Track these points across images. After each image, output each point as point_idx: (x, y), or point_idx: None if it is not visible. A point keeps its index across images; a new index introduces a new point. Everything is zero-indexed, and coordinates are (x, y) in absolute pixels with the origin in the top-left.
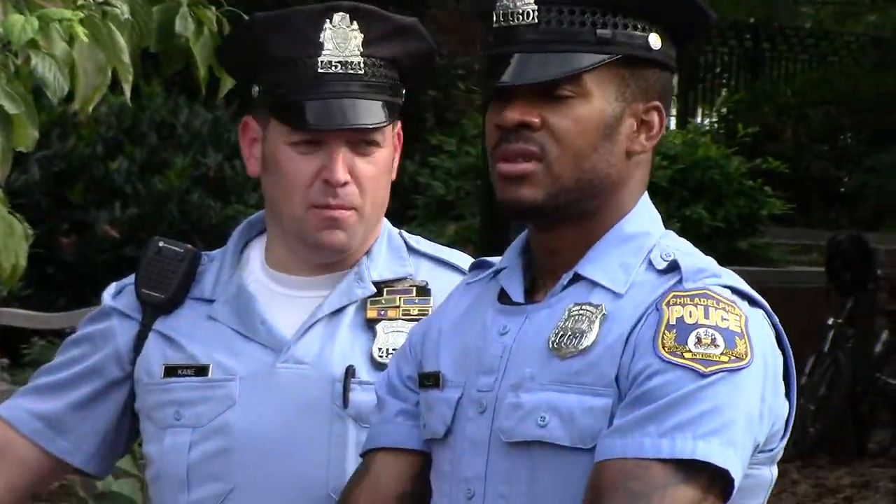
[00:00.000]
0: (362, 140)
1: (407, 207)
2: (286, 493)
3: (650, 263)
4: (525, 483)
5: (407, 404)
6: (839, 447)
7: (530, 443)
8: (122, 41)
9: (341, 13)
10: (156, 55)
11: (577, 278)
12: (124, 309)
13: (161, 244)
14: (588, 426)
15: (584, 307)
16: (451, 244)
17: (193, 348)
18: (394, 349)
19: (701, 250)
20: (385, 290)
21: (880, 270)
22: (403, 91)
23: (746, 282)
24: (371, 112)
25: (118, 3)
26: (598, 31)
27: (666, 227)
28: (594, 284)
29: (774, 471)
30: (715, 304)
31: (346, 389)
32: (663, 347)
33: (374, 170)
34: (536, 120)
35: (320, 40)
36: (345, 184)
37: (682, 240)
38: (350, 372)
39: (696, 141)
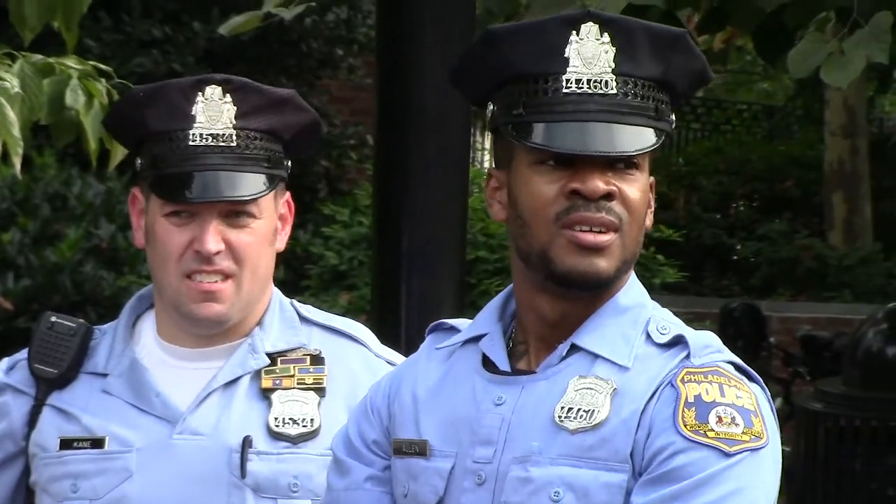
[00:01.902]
0: (235, 211)
1: (300, 277)
2: None
3: (648, 336)
4: None
5: (374, 469)
6: None
7: None
8: (11, 114)
9: (213, 86)
10: (48, 127)
11: (574, 349)
12: (17, 385)
13: (53, 319)
14: (603, 502)
15: (590, 380)
16: (344, 314)
17: (89, 421)
18: (290, 418)
19: None
20: (279, 359)
21: (772, 338)
22: (287, 162)
23: None
24: (245, 184)
25: (8, 76)
26: (658, 107)
27: None
28: (595, 356)
29: None
30: (727, 382)
31: (243, 459)
32: (685, 426)
33: (252, 240)
34: (616, 190)
35: (192, 113)
36: (217, 253)
37: (666, 310)
38: (247, 442)
39: None
